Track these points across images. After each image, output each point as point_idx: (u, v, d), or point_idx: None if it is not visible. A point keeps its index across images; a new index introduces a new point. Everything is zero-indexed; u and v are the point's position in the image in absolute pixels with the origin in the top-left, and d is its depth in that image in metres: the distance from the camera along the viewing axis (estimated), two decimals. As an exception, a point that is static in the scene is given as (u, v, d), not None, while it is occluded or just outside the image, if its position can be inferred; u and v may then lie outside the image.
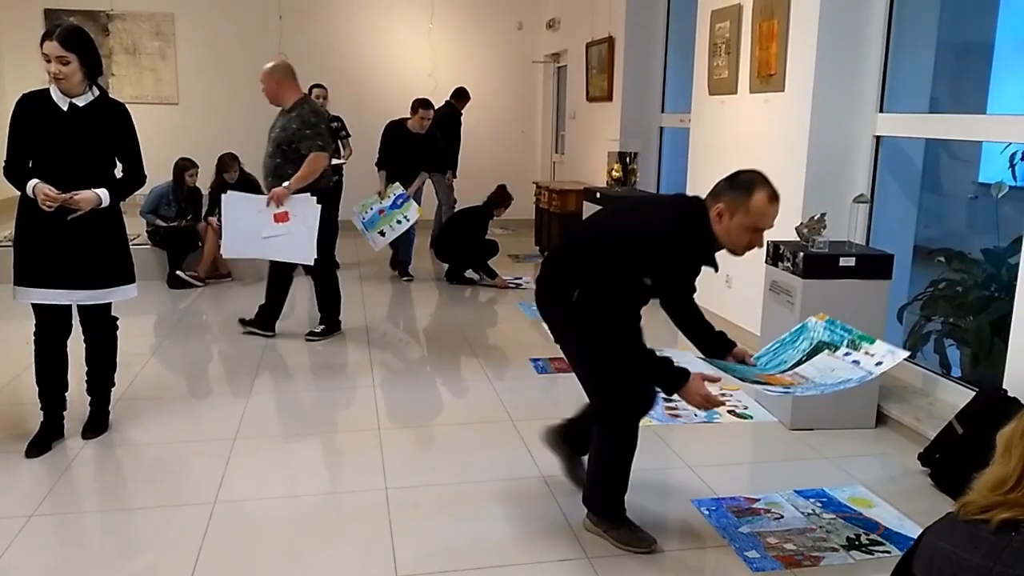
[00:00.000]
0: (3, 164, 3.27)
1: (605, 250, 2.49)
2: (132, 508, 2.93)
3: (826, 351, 2.59)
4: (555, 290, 2.63)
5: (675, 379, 2.46)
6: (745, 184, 2.42)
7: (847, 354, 2.55)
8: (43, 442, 3.38)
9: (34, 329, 3.37)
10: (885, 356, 2.49)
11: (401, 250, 6.97)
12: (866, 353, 2.53)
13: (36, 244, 3.26)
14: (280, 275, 5.07)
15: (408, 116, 6.86)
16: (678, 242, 2.44)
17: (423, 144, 6.85)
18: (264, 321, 5.12)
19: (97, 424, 3.55)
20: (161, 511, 2.90)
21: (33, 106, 3.19)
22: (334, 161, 5.71)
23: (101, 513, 2.92)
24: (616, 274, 2.46)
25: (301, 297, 6.20)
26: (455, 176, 7.90)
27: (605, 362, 2.57)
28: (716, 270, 2.60)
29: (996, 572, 1.38)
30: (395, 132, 6.81)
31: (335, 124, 6.47)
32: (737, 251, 2.50)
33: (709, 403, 2.47)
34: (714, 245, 2.50)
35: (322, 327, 5.12)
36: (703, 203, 2.49)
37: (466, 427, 3.79)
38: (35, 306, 3.32)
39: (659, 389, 2.59)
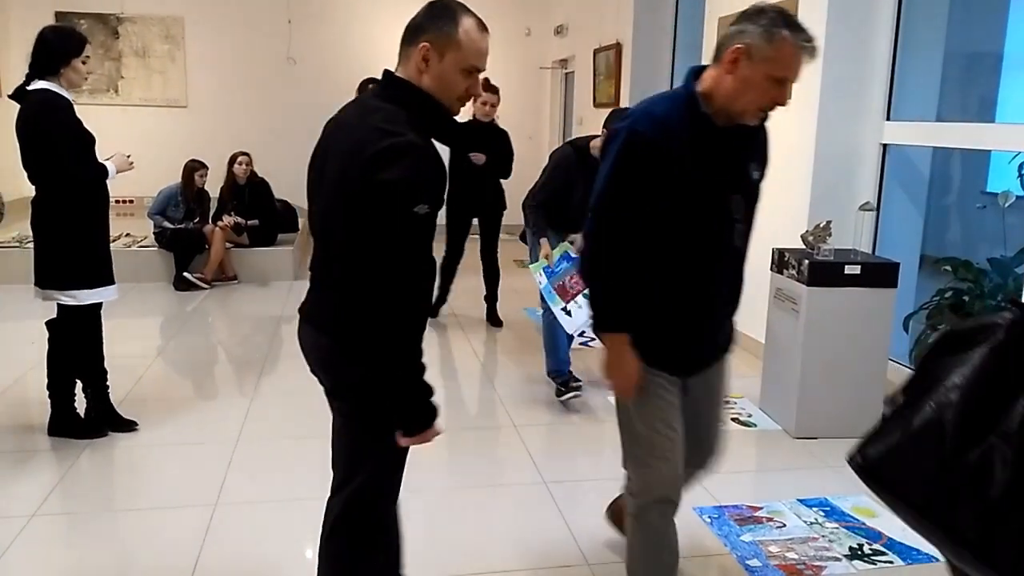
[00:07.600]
0: (76, 168, 3.22)
1: None
2: (134, 508, 2.94)
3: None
4: None
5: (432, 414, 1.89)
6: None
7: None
8: (76, 423, 3.45)
9: (82, 330, 3.37)
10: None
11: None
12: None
13: (105, 241, 3.37)
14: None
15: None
16: None
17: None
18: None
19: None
20: (163, 512, 2.90)
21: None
22: None
23: (103, 513, 2.92)
24: None
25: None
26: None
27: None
28: None
29: None
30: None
31: None
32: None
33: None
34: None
35: None
36: None
37: (467, 432, 3.78)
38: (93, 307, 3.36)
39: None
